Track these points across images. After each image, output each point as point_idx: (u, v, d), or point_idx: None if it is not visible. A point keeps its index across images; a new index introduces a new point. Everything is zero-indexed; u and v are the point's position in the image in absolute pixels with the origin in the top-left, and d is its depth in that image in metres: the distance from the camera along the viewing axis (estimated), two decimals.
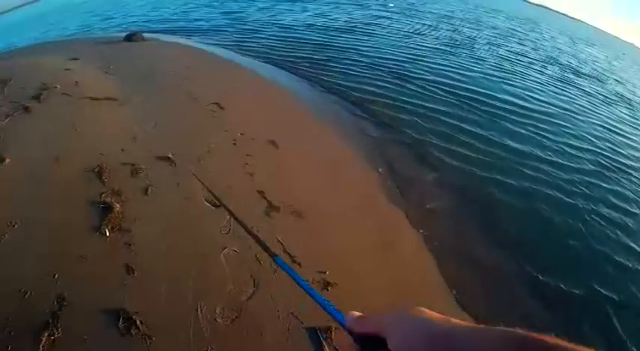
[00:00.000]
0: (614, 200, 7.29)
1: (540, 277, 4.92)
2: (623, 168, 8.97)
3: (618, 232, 6.31)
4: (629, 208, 7.15)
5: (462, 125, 8.82)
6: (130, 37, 11.97)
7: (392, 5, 26.78)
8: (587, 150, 9.40)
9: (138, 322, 2.95)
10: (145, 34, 12.65)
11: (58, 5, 30.40)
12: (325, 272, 3.85)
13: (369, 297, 3.78)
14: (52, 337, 2.79)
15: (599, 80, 19.68)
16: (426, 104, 9.61)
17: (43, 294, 3.05)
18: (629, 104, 16.33)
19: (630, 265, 5.61)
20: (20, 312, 2.93)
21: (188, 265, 3.54)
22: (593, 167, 8.51)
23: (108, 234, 3.70)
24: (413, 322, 0.63)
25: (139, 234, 3.78)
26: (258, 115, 7.07)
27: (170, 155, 5.15)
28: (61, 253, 3.45)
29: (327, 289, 3.68)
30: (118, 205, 4.07)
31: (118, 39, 12.26)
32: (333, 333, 3.22)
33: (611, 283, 5.16)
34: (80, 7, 26.69)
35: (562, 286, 4.88)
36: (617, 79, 22.31)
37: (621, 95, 17.61)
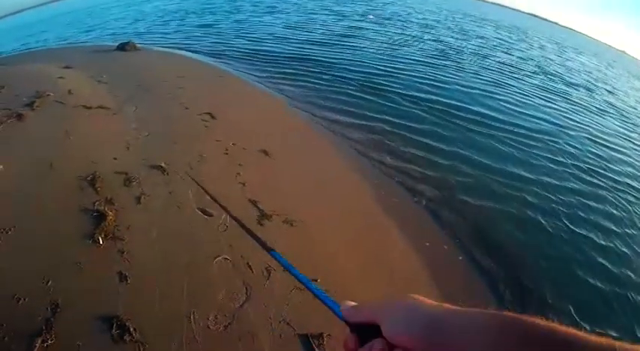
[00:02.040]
0: (605, 224, 6.75)
1: (529, 294, 4.87)
2: (616, 186, 8.39)
3: (610, 260, 5.84)
4: (624, 231, 6.67)
5: (437, 143, 8.39)
6: (122, 46, 12.03)
7: (372, 17, 26.04)
8: (576, 167, 8.84)
9: (131, 329, 2.98)
10: (137, 44, 12.66)
11: (38, 18, 30.58)
12: (317, 279, 3.88)
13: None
14: (46, 344, 2.81)
15: (589, 90, 19.22)
16: (399, 120, 9.17)
17: (36, 300, 3.08)
18: (621, 114, 15.86)
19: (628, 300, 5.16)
20: (14, 318, 2.95)
21: (181, 273, 3.58)
22: (583, 186, 7.95)
23: (101, 242, 3.73)
24: (405, 307, 0.65)
25: (132, 242, 3.82)
26: (250, 125, 7.15)
27: (163, 164, 5.20)
28: (54, 259, 3.47)
29: None
30: (111, 214, 4.10)
31: (111, 48, 12.31)
32: (325, 339, 3.26)
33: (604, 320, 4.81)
34: (58, 19, 26.87)
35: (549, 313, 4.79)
36: (608, 88, 21.96)
37: (612, 105, 17.20)
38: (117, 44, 12.35)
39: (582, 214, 6.85)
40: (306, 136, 7.50)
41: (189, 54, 13.27)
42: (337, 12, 26.38)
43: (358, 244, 4.74)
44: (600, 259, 5.79)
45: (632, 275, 5.64)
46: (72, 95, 7.28)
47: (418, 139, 8.31)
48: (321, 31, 19.08)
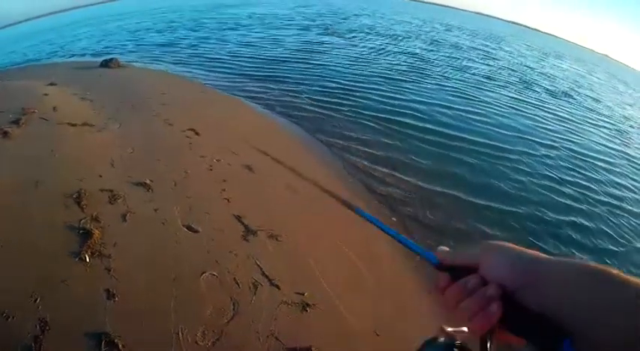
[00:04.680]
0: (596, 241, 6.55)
1: None
2: (597, 197, 8.14)
3: None
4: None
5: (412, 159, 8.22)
6: (106, 63, 12.07)
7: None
8: (565, 182, 8.52)
9: (120, 346, 3.03)
10: (121, 61, 12.73)
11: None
12: (304, 294, 3.94)
13: (347, 316, 3.87)
14: None
15: (573, 97, 18.80)
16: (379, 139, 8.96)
17: (25, 317, 3.12)
18: (606, 122, 15.45)
19: None
20: (2, 335, 3.01)
21: (168, 290, 3.63)
22: (572, 203, 7.63)
23: (88, 259, 3.79)
24: (504, 252, 0.75)
25: (118, 259, 3.87)
26: (233, 140, 7.24)
27: (147, 181, 5.28)
28: (42, 277, 3.52)
29: (307, 310, 3.74)
30: (97, 231, 4.16)
31: (94, 64, 12.35)
32: None
33: None
34: (23, 42, 27.32)
35: None
36: (592, 95, 21.59)
37: (596, 111, 16.95)
38: (100, 61, 12.39)
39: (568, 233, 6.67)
40: (288, 150, 7.60)
41: (170, 70, 13.37)
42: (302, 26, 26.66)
43: (345, 258, 4.79)
44: None
45: None
46: (57, 112, 7.34)
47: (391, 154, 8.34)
48: (282, 48, 18.85)
